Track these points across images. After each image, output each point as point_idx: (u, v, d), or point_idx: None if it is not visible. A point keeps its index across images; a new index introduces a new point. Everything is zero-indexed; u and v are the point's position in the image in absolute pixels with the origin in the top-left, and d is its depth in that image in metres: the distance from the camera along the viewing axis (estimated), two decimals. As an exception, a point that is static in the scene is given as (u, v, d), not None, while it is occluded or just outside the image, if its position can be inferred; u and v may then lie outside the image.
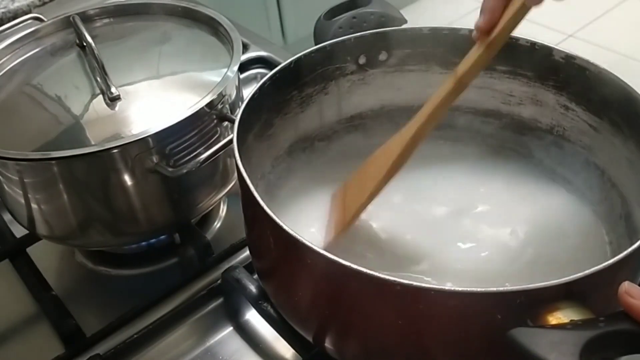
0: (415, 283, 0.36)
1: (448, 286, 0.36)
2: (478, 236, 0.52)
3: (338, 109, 0.58)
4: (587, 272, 0.35)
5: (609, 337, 0.32)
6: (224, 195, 0.59)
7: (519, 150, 0.58)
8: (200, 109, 0.52)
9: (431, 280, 0.48)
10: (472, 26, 0.54)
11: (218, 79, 0.55)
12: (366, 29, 0.55)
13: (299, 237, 0.38)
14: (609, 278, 0.38)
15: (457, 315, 0.37)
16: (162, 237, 0.61)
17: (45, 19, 0.65)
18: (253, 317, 0.55)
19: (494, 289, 0.35)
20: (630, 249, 0.37)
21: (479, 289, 0.35)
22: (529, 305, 0.35)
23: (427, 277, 0.49)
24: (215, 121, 0.54)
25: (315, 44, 0.54)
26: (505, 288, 0.35)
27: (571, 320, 0.34)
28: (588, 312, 0.35)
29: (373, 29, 0.55)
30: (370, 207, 0.50)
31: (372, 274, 0.36)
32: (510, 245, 0.51)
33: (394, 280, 0.36)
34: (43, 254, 0.61)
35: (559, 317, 0.34)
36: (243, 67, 0.77)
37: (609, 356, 0.34)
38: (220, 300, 0.57)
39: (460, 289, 0.35)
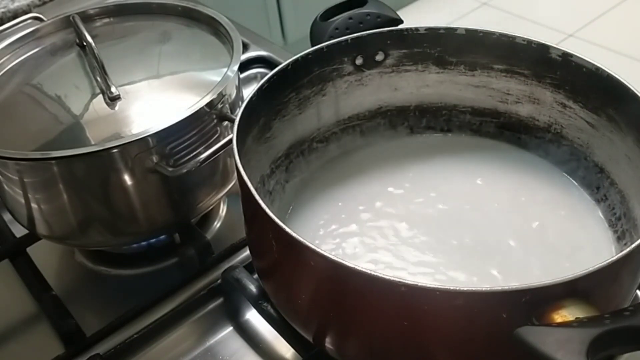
0: (420, 283, 0.36)
1: (453, 286, 0.36)
2: (478, 230, 0.52)
3: (336, 110, 0.58)
4: (591, 269, 0.35)
5: (615, 334, 0.32)
6: (224, 195, 0.59)
7: (517, 147, 0.58)
8: (200, 109, 0.52)
9: (435, 276, 0.49)
10: (468, 26, 0.54)
11: (218, 79, 0.55)
12: (362, 30, 0.55)
13: (299, 238, 0.39)
14: (613, 275, 0.38)
15: (462, 315, 0.37)
16: (162, 237, 0.61)
17: (45, 19, 0.65)
18: (253, 317, 0.55)
19: (499, 287, 0.35)
20: (633, 246, 0.37)
21: (484, 288, 0.35)
22: (534, 303, 0.35)
23: (431, 274, 0.49)
24: (215, 121, 0.54)
25: (312, 46, 0.54)
26: (510, 287, 0.35)
27: (577, 318, 0.34)
28: (593, 309, 0.35)
29: (369, 29, 0.55)
30: (370, 202, 0.50)
31: (376, 275, 0.36)
32: (512, 241, 0.51)
33: (399, 281, 0.36)
34: (43, 254, 0.62)
35: (564, 315, 0.34)
36: (243, 67, 0.77)
37: (615, 353, 0.34)
38: (220, 300, 0.57)
39: (465, 288, 0.35)
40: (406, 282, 0.36)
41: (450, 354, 0.40)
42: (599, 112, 0.51)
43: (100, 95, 0.55)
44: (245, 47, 0.81)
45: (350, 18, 0.56)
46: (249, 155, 0.50)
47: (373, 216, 0.54)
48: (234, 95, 0.57)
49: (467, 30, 0.54)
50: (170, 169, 0.51)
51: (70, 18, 0.61)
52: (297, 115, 0.56)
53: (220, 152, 0.52)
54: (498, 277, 0.48)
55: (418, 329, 0.39)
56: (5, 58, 0.61)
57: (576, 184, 0.55)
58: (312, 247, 0.38)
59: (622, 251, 0.37)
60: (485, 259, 0.50)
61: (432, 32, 0.55)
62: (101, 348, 0.53)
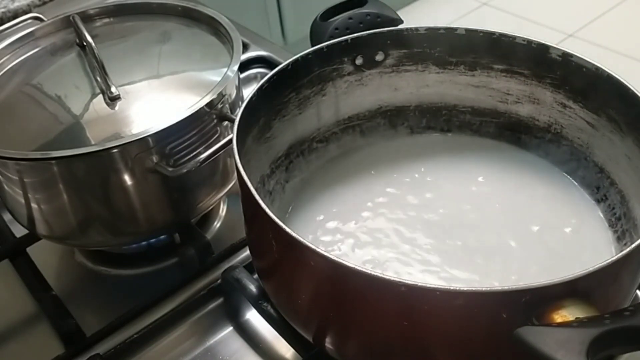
0: (420, 283, 0.36)
1: (453, 286, 0.36)
2: (479, 231, 0.52)
3: (336, 110, 0.58)
4: (591, 269, 0.35)
5: (615, 334, 0.33)
6: (224, 195, 0.59)
7: (517, 147, 0.58)
8: (200, 109, 0.52)
9: (437, 273, 0.49)
10: (468, 26, 0.54)
11: (218, 79, 0.55)
12: (362, 30, 0.55)
13: (299, 238, 0.39)
14: (613, 275, 0.38)
15: (462, 315, 0.37)
16: (162, 237, 0.61)
17: (45, 19, 0.65)
18: (253, 317, 0.55)
19: (499, 287, 0.35)
20: (633, 246, 0.37)
21: (484, 288, 0.35)
22: (534, 303, 0.35)
23: (433, 275, 0.49)
24: (215, 121, 0.54)
25: (312, 46, 0.54)
26: (510, 287, 0.35)
27: (576, 318, 0.34)
28: (593, 309, 0.35)
29: (369, 29, 0.55)
30: (370, 202, 0.50)
31: (376, 275, 0.36)
32: (512, 241, 0.51)
33: (399, 281, 0.36)
34: (43, 254, 0.62)
35: (564, 315, 0.34)
36: (243, 67, 0.77)
37: (615, 353, 0.34)
38: (220, 300, 0.57)
39: (465, 288, 0.35)
40: (406, 282, 0.36)
41: (450, 354, 0.40)
42: (599, 112, 0.51)
43: (100, 95, 0.55)
44: (245, 47, 0.81)
45: (350, 18, 0.56)
46: (249, 155, 0.50)
47: (373, 216, 0.54)
48: (234, 95, 0.57)
49: (467, 30, 0.54)
50: (170, 169, 0.51)
51: (70, 18, 0.61)
52: (297, 115, 0.56)
53: (220, 152, 0.52)
54: (499, 277, 0.48)
55: (418, 329, 0.39)
56: (5, 58, 0.61)
57: (576, 184, 0.55)
58: (312, 247, 0.38)
59: (622, 251, 0.37)
60: (485, 260, 0.50)
61: (432, 32, 0.55)
62: (101, 348, 0.53)
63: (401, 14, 0.57)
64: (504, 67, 0.55)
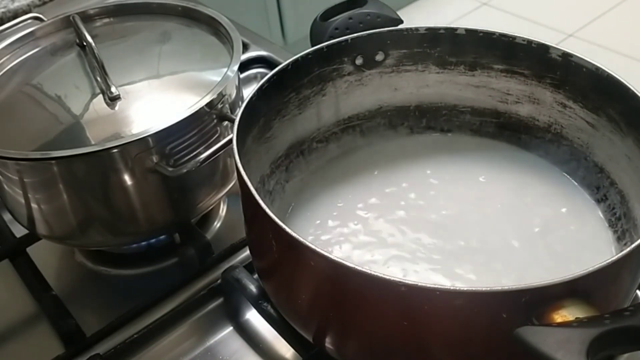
0: (420, 283, 0.36)
1: (453, 286, 0.36)
2: (480, 231, 0.52)
3: (336, 110, 0.58)
4: (591, 269, 0.35)
5: (615, 334, 0.33)
6: (224, 195, 0.59)
7: (517, 147, 0.58)
8: (200, 109, 0.52)
9: (439, 272, 0.49)
10: (468, 26, 0.54)
11: (218, 79, 0.55)
12: (362, 30, 0.55)
13: (299, 238, 0.39)
14: (613, 275, 0.38)
15: (462, 315, 0.37)
16: (162, 237, 0.61)
17: (45, 19, 0.66)
18: (253, 317, 0.55)
19: (499, 287, 0.35)
20: (633, 246, 0.37)
21: (484, 288, 0.35)
22: (534, 303, 0.35)
23: (434, 275, 0.49)
24: (215, 121, 0.54)
25: (312, 46, 0.54)
26: (510, 287, 0.35)
27: (576, 318, 0.34)
28: (593, 309, 0.35)
29: (369, 29, 0.55)
30: (371, 202, 0.50)
31: (376, 275, 0.36)
32: (513, 241, 0.51)
33: (399, 281, 0.36)
34: (43, 254, 0.62)
35: (564, 315, 0.34)
36: (243, 67, 0.77)
37: (615, 353, 0.34)
38: (220, 300, 0.57)
39: (465, 288, 0.35)
40: (406, 282, 0.36)
41: (450, 354, 0.40)
42: (599, 112, 0.51)
43: (100, 95, 0.55)
44: (245, 47, 0.81)
45: (350, 18, 0.56)
46: (249, 155, 0.50)
47: (373, 216, 0.54)
48: (234, 95, 0.57)
49: (467, 30, 0.54)
50: (170, 169, 0.51)
51: (70, 18, 0.61)
52: (297, 115, 0.56)
53: (220, 152, 0.52)
54: (500, 276, 0.48)
55: (418, 329, 0.39)
56: (5, 58, 0.61)
57: (576, 184, 0.55)
58: (312, 247, 0.38)
59: (622, 251, 0.37)
60: (487, 259, 0.50)
61: (432, 32, 0.55)
62: (101, 348, 0.53)
63: (401, 14, 0.57)
64: (504, 67, 0.55)
